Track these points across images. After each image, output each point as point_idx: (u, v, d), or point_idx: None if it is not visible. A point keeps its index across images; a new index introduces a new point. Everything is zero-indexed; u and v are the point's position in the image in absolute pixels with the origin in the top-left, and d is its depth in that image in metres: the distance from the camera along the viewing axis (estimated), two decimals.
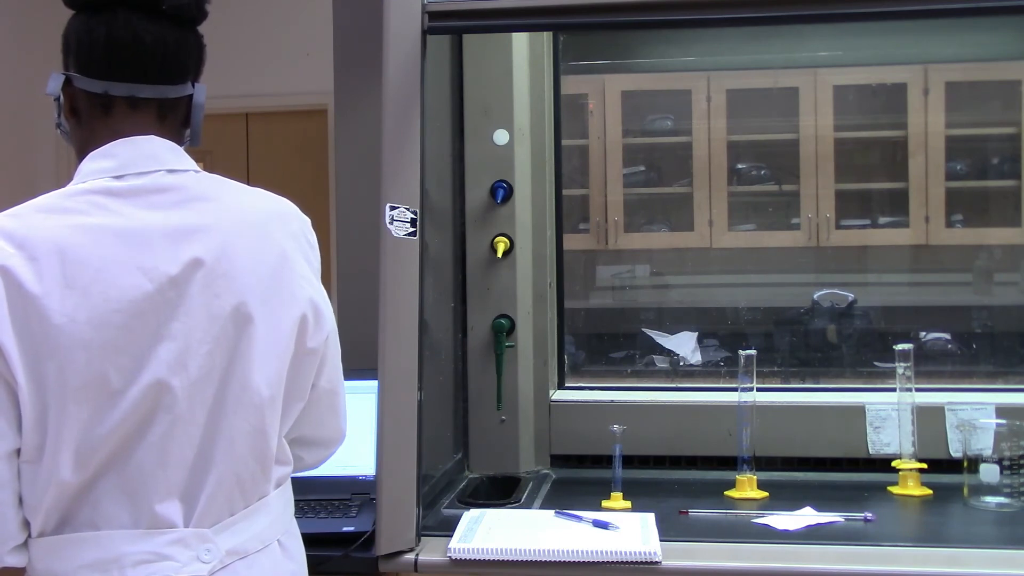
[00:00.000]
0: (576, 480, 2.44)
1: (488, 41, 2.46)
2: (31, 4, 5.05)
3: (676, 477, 2.40)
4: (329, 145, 4.54)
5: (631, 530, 1.88)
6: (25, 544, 1.27)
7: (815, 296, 3.55)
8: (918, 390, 2.27)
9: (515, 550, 1.78)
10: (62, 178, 5.15)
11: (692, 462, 2.45)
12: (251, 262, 1.31)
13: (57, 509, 1.25)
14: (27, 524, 1.27)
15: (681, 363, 3.33)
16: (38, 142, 5.15)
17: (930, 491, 2.21)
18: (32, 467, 1.23)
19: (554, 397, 2.55)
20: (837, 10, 1.92)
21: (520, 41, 2.48)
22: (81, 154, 1.36)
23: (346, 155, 2.44)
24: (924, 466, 2.24)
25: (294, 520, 1.46)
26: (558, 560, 1.77)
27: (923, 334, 3.59)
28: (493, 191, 2.46)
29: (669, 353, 3.38)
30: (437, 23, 1.92)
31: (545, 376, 2.54)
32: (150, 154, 1.31)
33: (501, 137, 2.46)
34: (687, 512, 2.06)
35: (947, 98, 4.01)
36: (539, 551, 1.78)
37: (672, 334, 3.41)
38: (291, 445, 1.42)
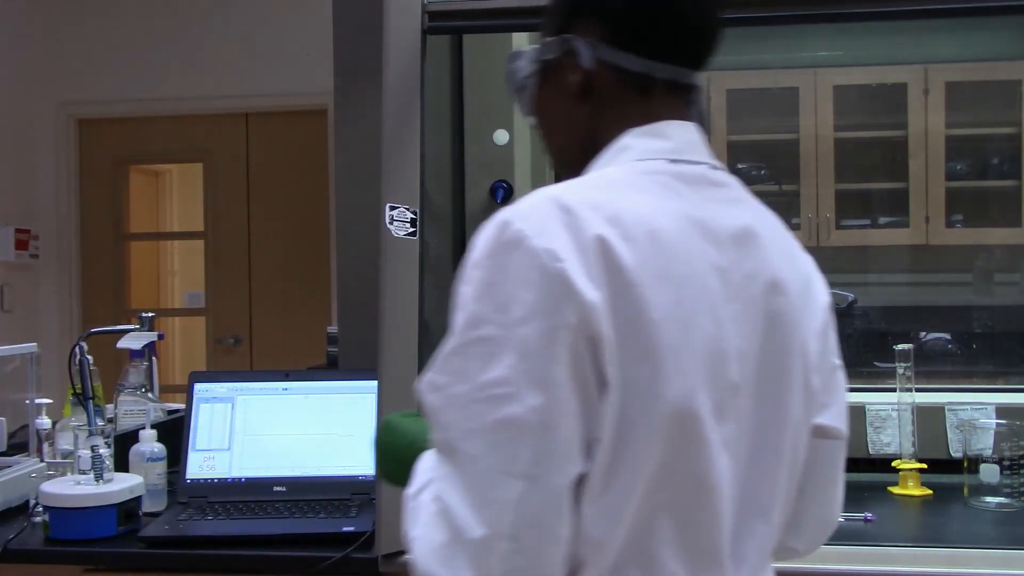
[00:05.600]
0: None
1: (488, 41, 2.46)
2: (32, 4, 5.05)
3: None
4: (329, 145, 4.53)
5: None
6: None
7: None
8: (918, 390, 2.27)
9: None
10: (62, 178, 5.16)
11: None
12: (791, 283, 1.10)
13: (614, 550, 0.97)
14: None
15: None
16: (38, 141, 5.15)
17: (930, 491, 2.20)
18: (596, 494, 0.95)
19: None
20: (837, 10, 1.92)
21: (520, 41, 2.48)
22: (584, 141, 1.11)
23: (346, 155, 2.43)
24: (924, 466, 2.24)
25: None
26: None
27: (923, 334, 3.60)
28: (493, 191, 2.46)
29: None
30: (437, 23, 1.92)
31: None
32: (697, 143, 1.10)
33: (501, 137, 2.46)
34: None
35: (947, 98, 4.02)
36: None
37: None
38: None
